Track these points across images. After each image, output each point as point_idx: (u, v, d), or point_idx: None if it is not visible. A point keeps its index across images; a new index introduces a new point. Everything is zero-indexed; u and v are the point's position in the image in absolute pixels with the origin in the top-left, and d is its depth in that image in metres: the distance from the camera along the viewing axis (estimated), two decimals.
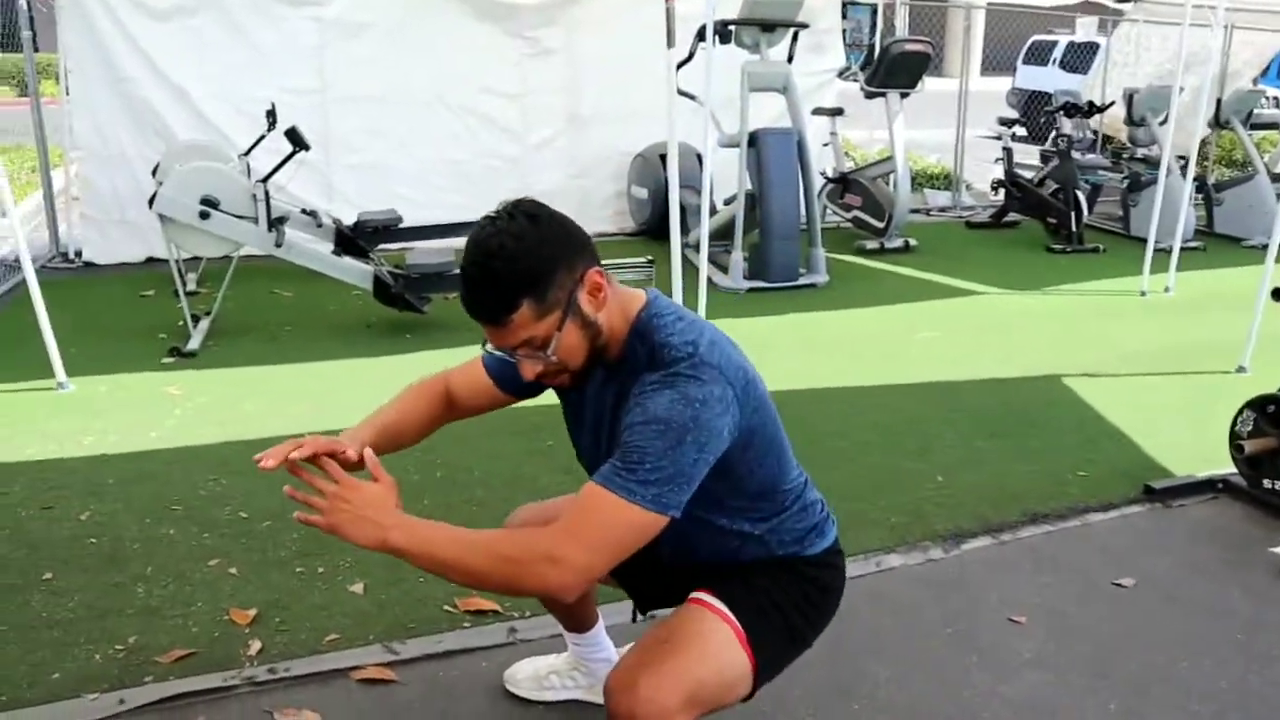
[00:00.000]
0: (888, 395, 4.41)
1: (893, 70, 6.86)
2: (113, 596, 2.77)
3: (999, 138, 8.05)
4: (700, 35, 5.69)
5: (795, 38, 6.35)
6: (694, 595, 1.77)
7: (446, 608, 2.73)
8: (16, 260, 6.42)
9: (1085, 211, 7.48)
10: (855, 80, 7.41)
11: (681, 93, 6.27)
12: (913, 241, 7.35)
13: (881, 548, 3.09)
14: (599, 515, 1.52)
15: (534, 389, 1.84)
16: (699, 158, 7.30)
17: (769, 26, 6.11)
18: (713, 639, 1.70)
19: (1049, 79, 14.53)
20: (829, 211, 7.99)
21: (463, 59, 7.24)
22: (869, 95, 7.16)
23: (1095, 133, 10.13)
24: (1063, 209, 7.46)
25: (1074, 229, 7.40)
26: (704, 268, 5.28)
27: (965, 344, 5.14)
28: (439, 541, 1.55)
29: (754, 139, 6.16)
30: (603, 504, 1.51)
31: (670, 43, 3.73)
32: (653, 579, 1.93)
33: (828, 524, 1.91)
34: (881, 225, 7.24)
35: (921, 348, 5.08)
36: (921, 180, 9.67)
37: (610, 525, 1.52)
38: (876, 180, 7.40)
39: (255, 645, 2.55)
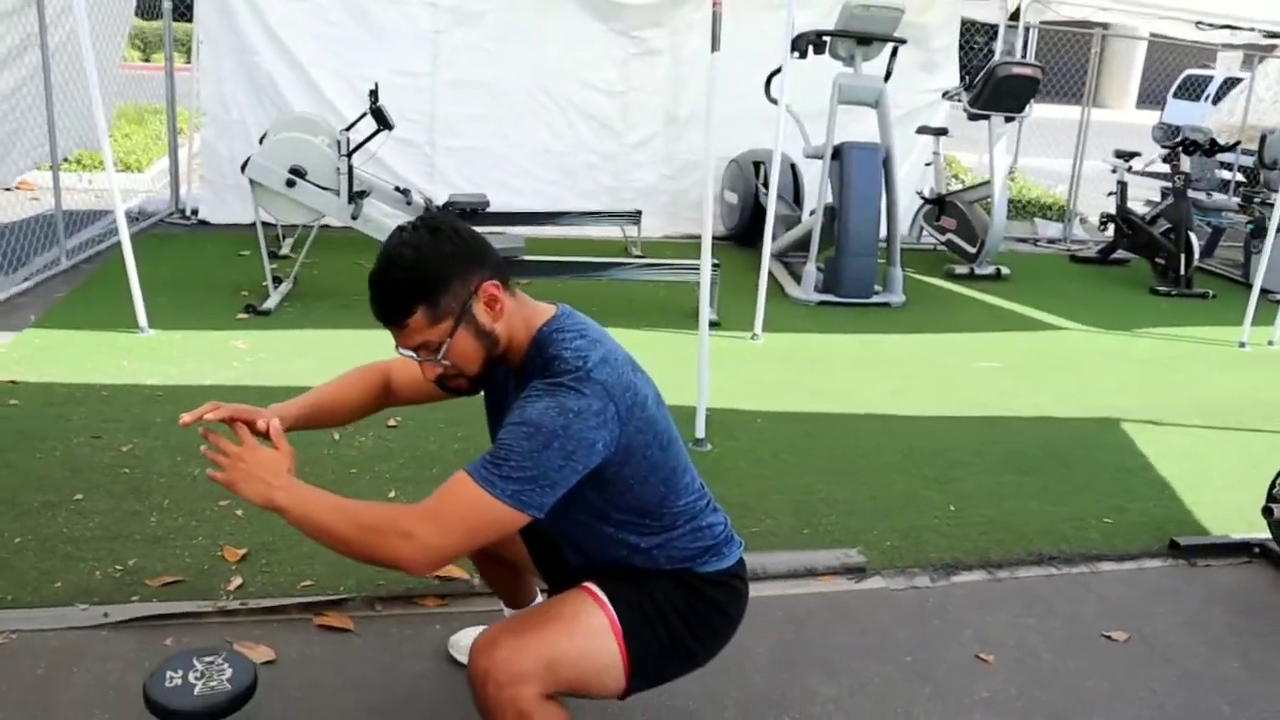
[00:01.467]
0: (927, 422, 4.33)
1: (998, 93, 6.69)
2: (127, 522, 2.99)
3: (1114, 170, 7.74)
4: (793, 46, 5.70)
5: (894, 53, 6.26)
6: (583, 584, 1.83)
7: None
8: (140, 212, 6.94)
9: (1196, 254, 7.12)
10: (958, 101, 7.24)
11: (770, 99, 6.30)
12: (1005, 270, 7.14)
13: (866, 568, 3.07)
14: (459, 502, 1.61)
15: (472, 387, 1.88)
16: (794, 168, 7.32)
17: (865, 40, 6.05)
18: (585, 621, 1.76)
19: (1199, 115, 13.83)
20: (924, 233, 7.84)
21: (569, 54, 7.40)
22: (972, 117, 6.99)
23: (1233, 171, 9.64)
24: (1172, 250, 7.13)
25: (1182, 271, 7.06)
26: (764, 277, 5.27)
27: (1025, 378, 4.99)
28: (315, 506, 1.68)
29: (839, 152, 6.10)
30: (465, 492, 1.60)
31: (715, 46, 3.74)
32: (562, 577, 2.00)
33: (728, 546, 1.93)
34: (974, 251, 7.07)
35: (977, 378, 4.96)
36: (1034, 209, 9.37)
37: (467, 514, 1.61)
38: (974, 205, 7.23)
39: (236, 581, 2.72)
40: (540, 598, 2.39)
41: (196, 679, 1.92)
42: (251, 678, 1.96)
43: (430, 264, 1.68)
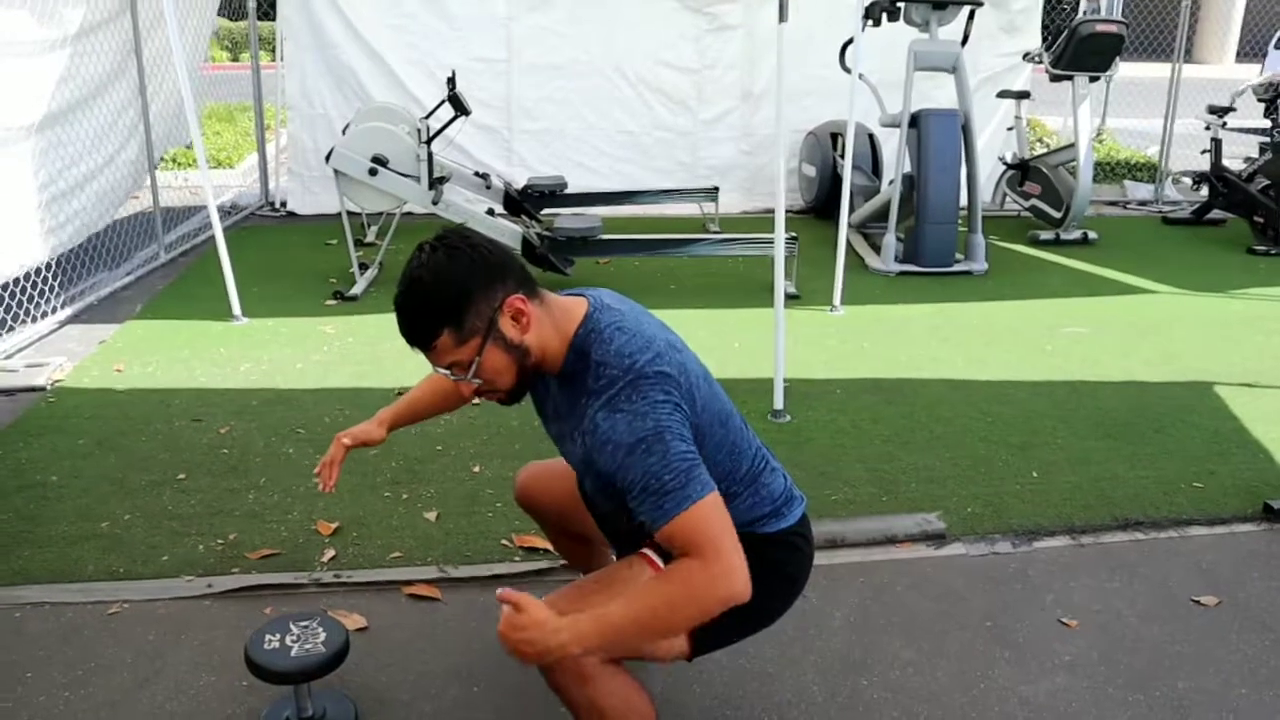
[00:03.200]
0: (1010, 388, 4.26)
1: (1081, 52, 6.47)
2: (227, 499, 3.15)
3: (1208, 127, 7.44)
4: (866, 14, 5.62)
5: (971, 16, 6.12)
6: (643, 550, 1.86)
7: (504, 542, 2.94)
8: (233, 206, 7.20)
9: None
10: (1039, 63, 7.04)
11: (845, 69, 6.23)
12: (1093, 234, 6.94)
13: (946, 535, 3.05)
14: (696, 536, 1.60)
15: (510, 398, 1.87)
16: (871, 138, 7.23)
17: (940, 4, 5.93)
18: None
19: None
20: (1007, 199, 7.67)
21: (643, 33, 7.41)
22: (1054, 78, 6.79)
23: None
24: (1272, 207, 6.84)
25: None
26: (841, 248, 5.24)
27: (1114, 343, 4.87)
28: (614, 623, 1.58)
29: (916, 120, 6.01)
30: (685, 528, 1.60)
31: (783, 16, 3.72)
32: (627, 541, 2.04)
33: (788, 506, 1.95)
34: (1059, 215, 6.89)
35: (1064, 344, 4.85)
36: (1123, 171, 9.07)
37: (707, 531, 1.60)
38: (1058, 169, 7.03)
39: (329, 553, 2.85)
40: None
41: (293, 641, 2.03)
42: (344, 641, 2.06)
43: (451, 285, 1.66)
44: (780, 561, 1.92)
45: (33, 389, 3.99)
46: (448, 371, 1.74)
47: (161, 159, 7.55)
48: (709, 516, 1.61)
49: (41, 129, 4.93)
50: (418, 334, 1.70)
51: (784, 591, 1.96)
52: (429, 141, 5.29)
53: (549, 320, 1.76)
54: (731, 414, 1.87)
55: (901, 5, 5.90)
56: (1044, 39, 7.86)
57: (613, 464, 1.65)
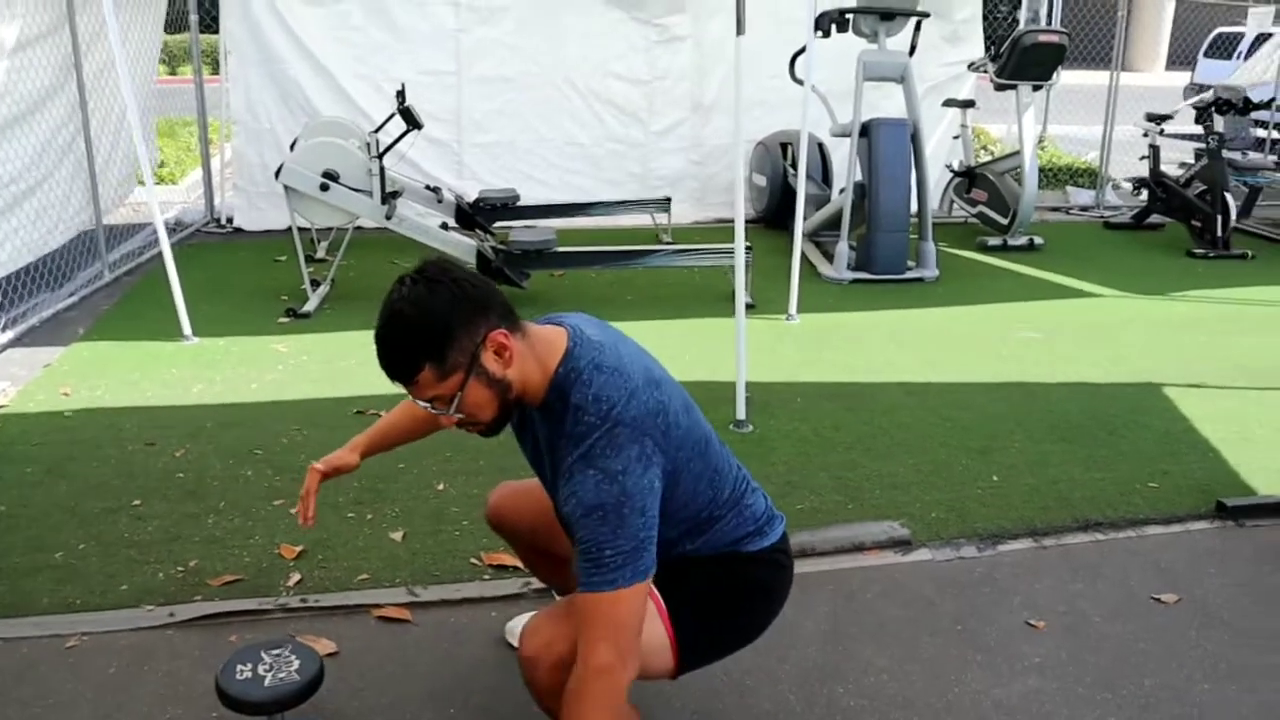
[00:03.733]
0: (967, 392, 4.32)
1: (1024, 62, 6.61)
2: (186, 525, 3.07)
3: (1146, 134, 7.63)
4: (816, 25, 5.68)
5: (918, 27, 6.22)
6: None
7: (473, 560, 2.91)
8: (177, 223, 7.06)
9: (1233, 215, 7.02)
10: (984, 72, 7.17)
11: (795, 79, 6.29)
12: (1039, 240, 7.08)
13: (912, 540, 3.08)
14: (600, 617, 1.63)
15: (490, 431, 1.86)
16: (821, 147, 7.31)
17: (888, 15, 6.02)
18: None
19: (1231, 73, 13.59)
20: (955, 206, 7.80)
21: (592, 45, 7.42)
22: (999, 88, 6.92)
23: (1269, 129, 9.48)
24: (1209, 211, 7.03)
25: (1219, 233, 6.97)
26: (796, 257, 5.28)
27: (1065, 347, 4.96)
28: None
29: (866, 129, 6.08)
30: (597, 606, 1.63)
31: (740, 29, 3.75)
32: None
33: (769, 525, 1.96)
34: (1006, 222, 7.01)
35: (1017, 348, 4.94)
36: (1065, 177, 9.26)
37: (613, 617, 1.63)
38: (1004, 175, 7.16)
39: (295, 577, 2.79)
40: None
41: (266, 671, 1.98)
42: (318, 667, 2.01)
43: (433, 320, 1.65)
44: (763, 580, 1.93)
45: None
46: (429, 405, 1.72)
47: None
48: (613, 610, 1.63)
49: None
50: (399, 369, 1.68)
51: (766, 608, 1.97)
52: (380, 156, 5.23)
53: (531, 354, 1.75)
54: (710, 439, 1.87)
55: (850, 16, 5.97)
56: (986, 48, 8.01)
57: (573, 516, 1.67)
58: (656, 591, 1.81)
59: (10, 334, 4.77)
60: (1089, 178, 9.20)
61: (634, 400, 1.70)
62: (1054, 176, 9.29)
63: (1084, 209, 8.70)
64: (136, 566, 2.84)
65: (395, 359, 1.67)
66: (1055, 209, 8.69)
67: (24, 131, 5.22)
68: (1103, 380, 4.50)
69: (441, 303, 1.65)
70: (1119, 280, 6.29)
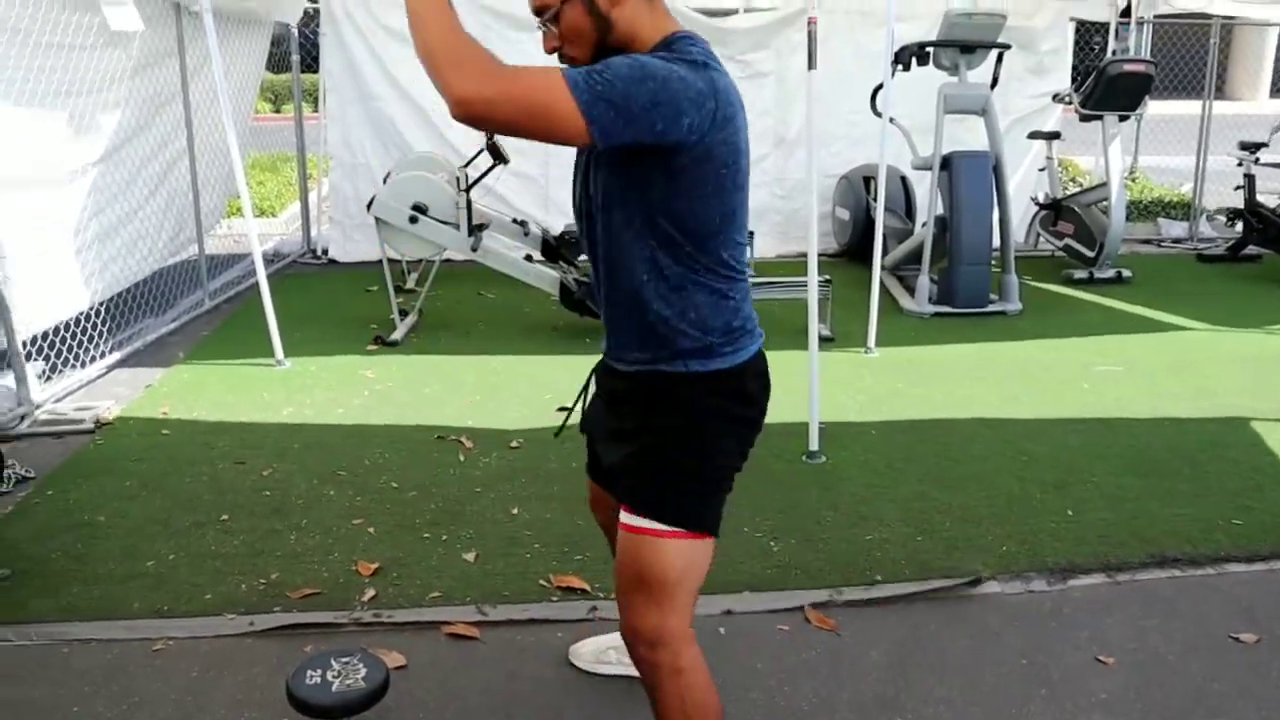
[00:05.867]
0: (1045, 426, 4.26)
1: (1110, 92, 6.51)
2: (269, 540, 3.21)
3: (1240, 163, 7.42)
4: (896, 59, 5.70)
5: (1000, 59, 6.19)
6: (621, 520, 1.86)
7: (542, 582, 2.98)
8: (275, 254, 7.37)
9: None
10: (1069, 103, 7.07)
11: (876, 113, 6.30)
12: (1126, 272, 6.92)
13: (982, 573, 3.05)
14: (537, 80, 1.57)
15: None
16: (904, 181, 7.29)
17: (969, 48, 6.00)
18: (653, 558, 1.82)
19: None
20: (1040, 239, 7.67)
21: None
22: (1084, 118, 6.82)
23: None
24: None
25: None
26: (875, 290, 5.27)
27: (1148, 380, 4.85)
28: (433, 5, 1.58)
29: (947, 162, 6.06)
30: (550, 76, 1.57)
31: (811, 64, 3.80)
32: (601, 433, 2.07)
33: (749, 338, 1.90)
34: (1092, 255, 6.88)
35: (1097, 381, 4.84)
36: (1157, 209, 9.04)
37: (539, 89, 1.56)
38: (1090, 208, 7.04)
39: (369, 593, 2.90)
40: None
41: (334, 677, 2.08)
42: (384, 676, 2.10)
43: None
44: (726, 412, 1.87)
45: (82, 431, 4.11)
46: (539, 18, 1.76)
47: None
48: (548, 89, 1.55)
49: (87, 172, 5.10)
50: None
51: (741, 434, 1.92)
52: (468, 189, 5.40)
53: (649, 12, 1.77)
54: (747, 193, 1.84)
55: (930, 50, 5.97)
56: (1073, 80, 7.91)
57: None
58: (660, 523, 1.81)
59: (117, 355, 5.05)
60: (1182, 209, 8.96)
61: (725, 78, 1.71)
62: (1145, 208, 9.07)
63: (1176, 241, 8.48)
64: (221, 577, 2.98)
65: None
66: (1146, 241, 8.49)
67: (124, 160, 5.48)
68: (1187, 415, 4.38)
69: None
70: (1210, 313, 6.12)
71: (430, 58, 1.57)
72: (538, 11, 1.76)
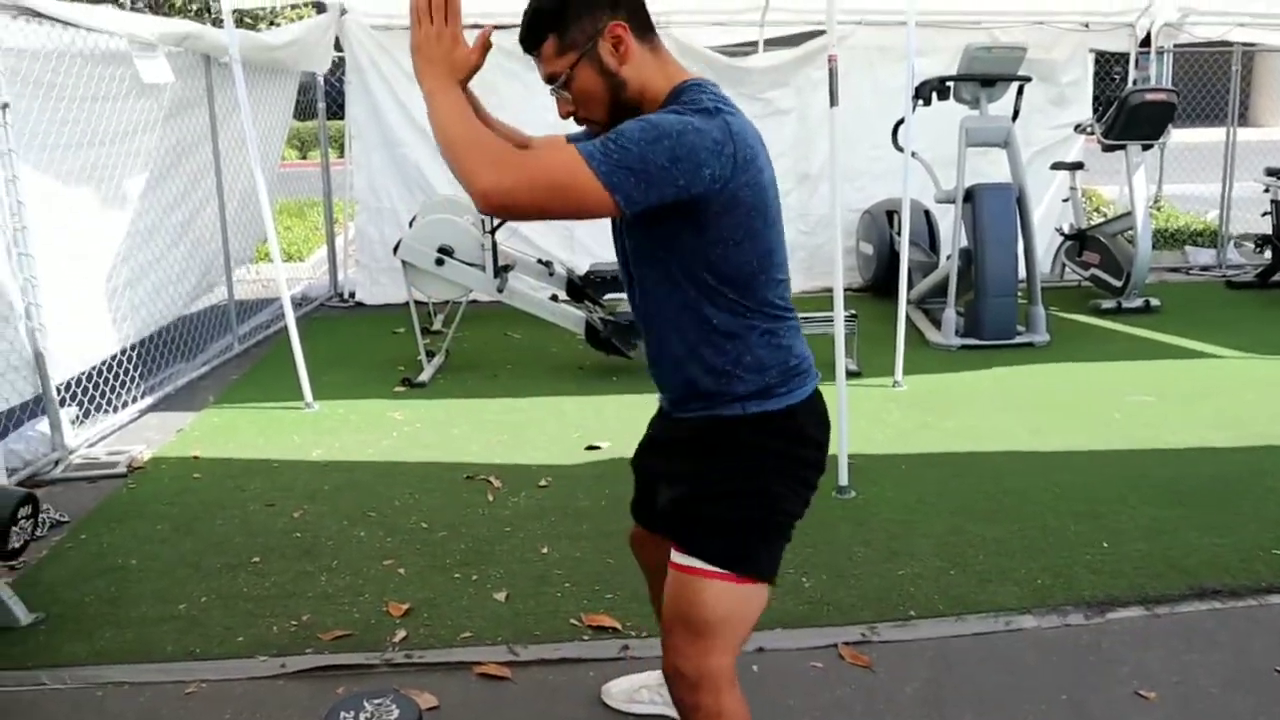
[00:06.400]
0: (1077, 457, 4.21)
1: (1132, 121, 6.50)
2: (300, 581, 3.22)
3: (1267, 190, 7.37)
4: (916, 94, 5.72)
5: (1020, 91, 6.20)
6: (671, 559, 1.85)
7: (573, 621, 2.96)
8: (303, 297, 7.45)
9: None
10: (1091, 133, 7.06)
11: (897, 148, 6.32)
12: (1154, 301, 6.87)
13: (1017, 607, 3.01)
14: (555, 159, 1.62)
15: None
16: (927, 214, 7.29)
17: (989, 82, 6.02)
18: (705, 599, 1.80)
19: None
20: (1066, 269, 7.64)
21: None
22: (1107, 148, 6.81)
23: None
24: None
25: None
26: (901, 324, 5.26)
27: (1180, 410, 4.79)
28: (452, 106, 1.68)
29: (970, 194, 6.06)
30: (566, 153, 1.60)
31: (833, 101, 3.82)
32: (650, 483, 2.07)
33: (805, 377, 1.88)
34: (1119, 284, 6.84)
35: (1129, 411, 4.79)
36: (1183, 237, 8.99)
37: (557, 169, 1.60)
38: (1116, 237, 7.01)
39: (400, 634, 2.89)
40: None
41: (367, 718, 2.07)
42: (417, 717, 2.10)
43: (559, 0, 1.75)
44: (786, 452, 1.86)
45: (114, 475, 4.15)
46: (550, 86, 1.78)
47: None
48: (567, 167, 1.58)
49: (118, 219, 5.19)
50: (527, 36, 1.78)
51: (802, 477, 1.89)
52: (493, 231, 5.45)
53: (656, 63, 1.79)
54: (779, 229, 1.82)
55: (951, 84, 5.99)
56: (1095, 110, 7.90)
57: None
58: (710, 564, 1.79)
59: (149, 400, 5.11)
60: (1209, 237, 8.90)
61: (740, 120, 1.72)
62: (1171, 237, 9.03)
63: (1204, 269, 8.42)
64: (253, 619, 2.99)
65: (526, 27, 1.77)
66: (1174, 269, 8.44)
67: (152, 205, 5.57)
68: (1222, 444, 4.33)
69: None
70: (1241, 340, 6.05)
71: (450, 151, 1.64)
72: (549, 79, 1.78)
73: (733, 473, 1.83)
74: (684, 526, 1.85)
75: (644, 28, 1.79)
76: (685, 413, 1.89)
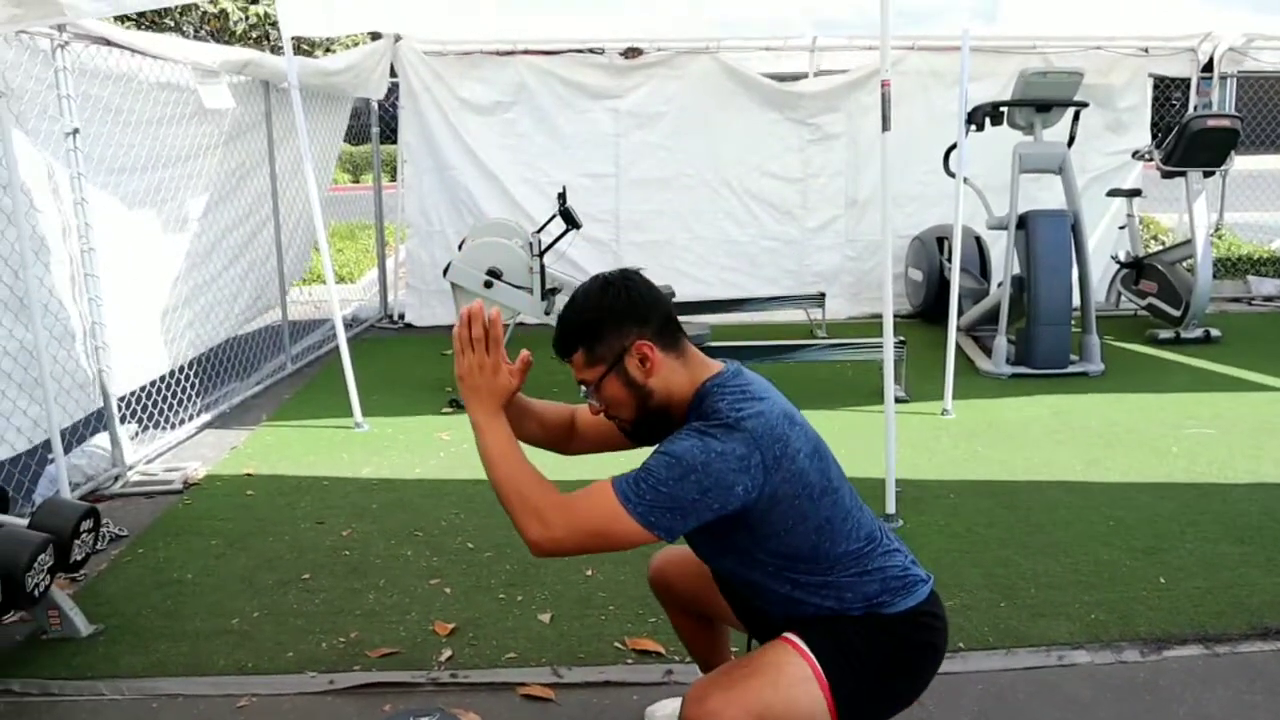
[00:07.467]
0: (1133, 491, 4.13)
1: (1192, 148, 6.39)
2: (348, 599, 3.25)
3: None
4: (969, 119, 5.69)
5: (1076, 117, 6.14)
6: (786, 635, 1.89)
7: (617, 644, 2.95)
8: (354, 319, 7.56)
9: None
10: (1149, 160, 6.96)
11: (949, 173, 6.29)
12: (1215, 332, 6.73)
13: (1070, 642, 2.94)
14: (595, 507, 1.76)
15: (634, 433, 2.00)
16: (978, 241, 7.22)
17: (1044, 107, 5.96)
18: (788, 671, 1.81)
19: None
20: (1123, 298, 7.52)
21: (747, 145, 7.63)
22: (1166, 175, 6.71)
23: None
24: None
25: None
26: (950, 350, 5.21)
27: (1242, 443, 4.68)
28: (500, 450, 1.85)
29: (1023, 221, 5.99)
30: (603, 499, 1.75)
31: (885, 126, 3.81)
32: (762, 627, 2.06)
33: (913, 586, 1.94)
34: (1178, 314, 6.71)
35: (1187, 444, 4.69)
36: (1246, 266, 8.81)
37: (597, 517, 1.75)
38: (1175, 266, 6.88)
39: (446, 653, 2.91)
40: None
41: None
42: None
43: (590, 316, 1.88)
44: (916, 642, 1.91)
45: (171, 491, 4.23)
46: (581, 386, 1.92)
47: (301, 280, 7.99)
48: (607, 514, 1.74)
49: (178, 239, 5.31)
50: (559, 345, 1.92)
51: (925, 669, 1.95)
52: (541, 254, 5.50)
53: (683, 370, 1.90)
54: (833, 491, 1.88)
55: (1005, 110, 5.95)
56: (1153, 136, 7.80)
57: (657, 448, 1.80)
58: (814, 656, 1.82)
59: (205, 418, 5.21)
60: (1273, 266, 8.71)
61: (763, 418, 1.79)
62: (1233, 266, 8.85)
63: (1268, 299, 8.24)
64: (303, 636, 3.02)
65: (559, 337, 1.92)
66: (1235, 299, 8.27)
67: (210, 226, 5.68)
68: None
69: (604, 302, 1.89)
70: None
71: (501, 499, 1.82)
72: (580, 384, 1.91)
73: (862, 634, 1.88)
74: (818, 633, 1.87)
75: (671, 338, 1.90)
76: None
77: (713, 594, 2.19)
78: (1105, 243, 7.89)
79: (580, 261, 7.42)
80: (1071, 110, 6.09)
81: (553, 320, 5.56)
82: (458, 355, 1.89)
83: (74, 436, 4.50)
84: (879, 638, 1.88)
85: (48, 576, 2.85)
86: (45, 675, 2.82)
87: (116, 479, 4.36)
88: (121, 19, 9.92)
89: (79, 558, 3.02)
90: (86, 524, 3.03)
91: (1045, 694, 2.70)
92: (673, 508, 1.73)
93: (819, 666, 1.82)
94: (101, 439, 4.49)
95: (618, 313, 1.87)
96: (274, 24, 11.93)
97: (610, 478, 1.78)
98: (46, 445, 3.95)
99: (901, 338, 5.28)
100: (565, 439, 2.20)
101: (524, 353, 1.94)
